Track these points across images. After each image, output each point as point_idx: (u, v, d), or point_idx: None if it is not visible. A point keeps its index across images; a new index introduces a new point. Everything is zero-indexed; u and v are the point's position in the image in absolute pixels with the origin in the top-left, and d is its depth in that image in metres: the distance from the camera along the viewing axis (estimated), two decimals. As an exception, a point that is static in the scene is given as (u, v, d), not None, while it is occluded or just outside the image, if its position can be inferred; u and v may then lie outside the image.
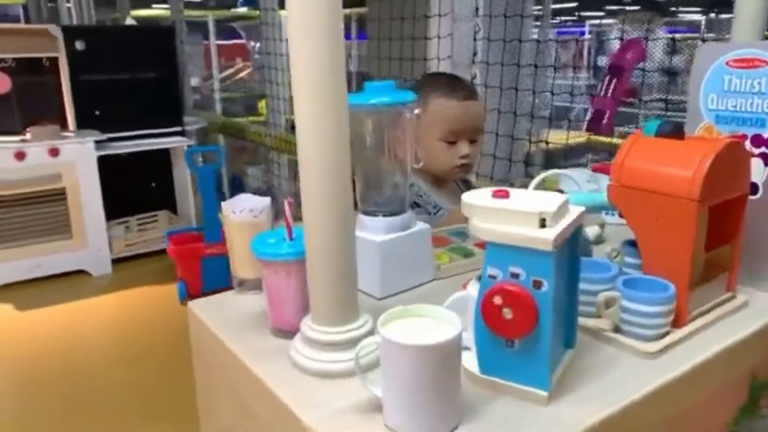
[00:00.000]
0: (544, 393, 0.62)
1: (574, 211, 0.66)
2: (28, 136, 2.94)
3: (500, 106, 2.01)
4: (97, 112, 3.28)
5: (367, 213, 0.91)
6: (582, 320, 0.78)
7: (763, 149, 0.86)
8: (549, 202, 0.63)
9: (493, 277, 0.63)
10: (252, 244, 0.76)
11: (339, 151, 0.65)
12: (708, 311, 0.80)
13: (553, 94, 1.91)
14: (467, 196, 0.65)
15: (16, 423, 2.01)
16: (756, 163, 0.87)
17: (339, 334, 0.69)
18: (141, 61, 3.41)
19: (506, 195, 0.65)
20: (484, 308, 0.62)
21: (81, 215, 3.04)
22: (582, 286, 0.77)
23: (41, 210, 2.96)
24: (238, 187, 4.27)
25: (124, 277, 3.13)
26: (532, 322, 0.60)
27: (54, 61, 3.06)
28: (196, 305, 0.90)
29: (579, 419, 0.61)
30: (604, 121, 4.29)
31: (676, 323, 0.77)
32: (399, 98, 0.86)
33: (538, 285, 0.60)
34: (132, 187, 3.52)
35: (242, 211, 0.88)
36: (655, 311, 0.72)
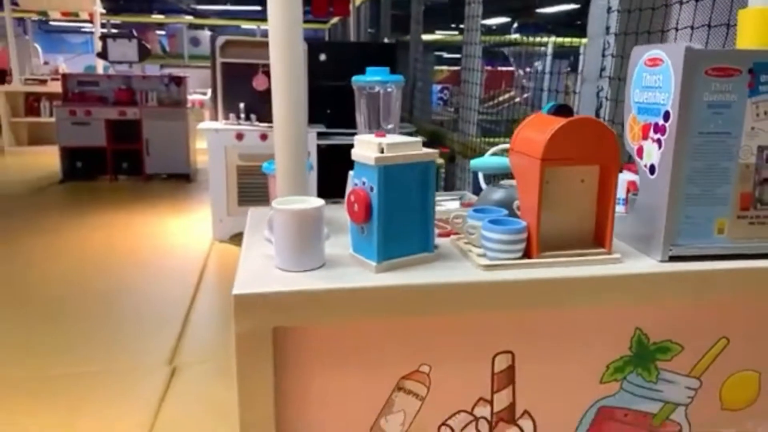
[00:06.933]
0: (374, 263, 0.94)
1: (424, 151, 0.95)
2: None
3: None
4: (328, 111, 4.07)
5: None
6: (462, 243, 1.05)
7: (659, 136, 1.01)
8: (395, 140, 0.94)
9: (356, 184, 0.97)
10: (264, 165, 1.20)
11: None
12: (568, 256, 0.99)
13: None
14: (359, 136, 0.99)
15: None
16: (652, 147, 1.02)
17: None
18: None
19: (383, 135, 0.98)
20: (347, 202, 0.96)
21: (299, 190, 3.84)
22: (470, 221, 1.05)
23: (274, 180, 3.85)
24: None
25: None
26: (367, 213, 0.93)
27: (300, 69, 3.90)
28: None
29: (395, 282, 0.91)
30: None
31: (528, 255, 0.99)
32: (387, 78, 1.22)
33: (371, 189, 0.92)
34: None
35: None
36: (498, 237, 0.96)
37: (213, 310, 2.92)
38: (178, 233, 4.19)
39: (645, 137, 1.05)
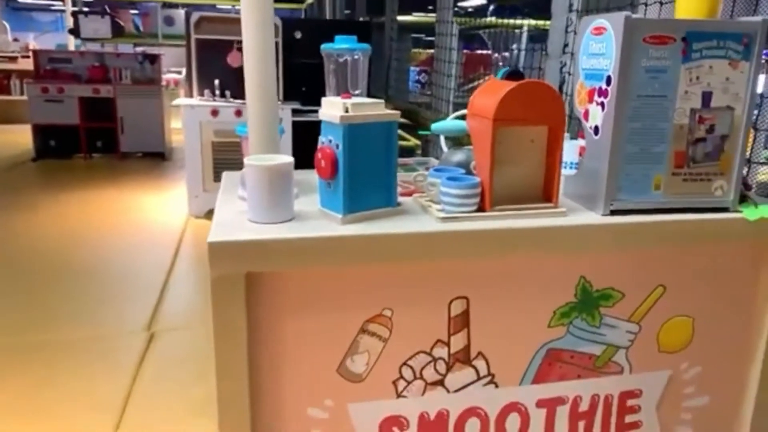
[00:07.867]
0: (340, 215, 1.01)
1: (386, 112, 1.03)
2: (249, 101, 3.88)
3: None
4: (303, 88, 4.11)
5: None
6: (423, 200, 1.13)
7: (602, 99, 1.10)
8: (359, 101, 1.01)
9: (323, 142, 1.04)
10: (237, 127, 1.27)
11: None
12: (518, 209, 1.08)
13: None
14: (326, 98, 1.06)
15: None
16: (596, 110, 1.11)
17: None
18: (342, 50, 4.16)
19: (349, 96, 1.05)
20: (315, 160, 1.04)
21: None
22: (430, 179, 1.13)
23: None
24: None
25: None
26: (333, 169, 1.00)
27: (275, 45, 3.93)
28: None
29: (358, 232, 0.99)
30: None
31: (482, 208, 1.07)
32: (354, 46, 1.28)
33: (336, 146, 1.00)
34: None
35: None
36: (454, 192, 1.05)
37: (189, 281, 2.98)
38: (154, 210, 4.22)
39: (591, 101, 1.13)
